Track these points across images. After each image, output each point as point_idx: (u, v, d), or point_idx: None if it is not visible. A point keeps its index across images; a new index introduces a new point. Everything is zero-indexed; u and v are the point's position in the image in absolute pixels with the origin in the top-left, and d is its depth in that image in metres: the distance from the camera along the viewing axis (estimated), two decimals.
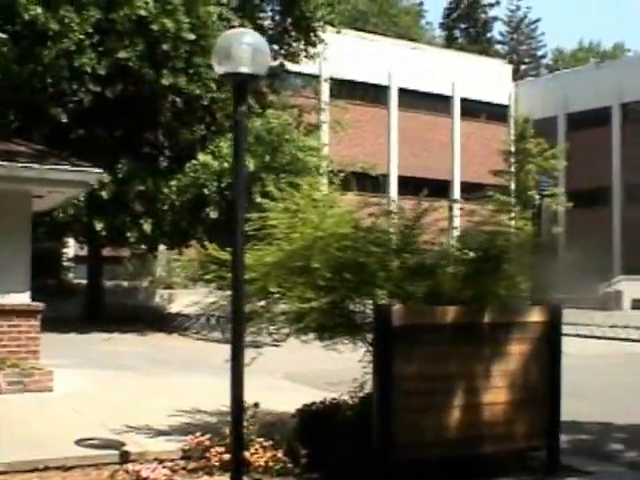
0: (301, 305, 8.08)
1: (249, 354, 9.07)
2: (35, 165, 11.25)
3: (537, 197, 8.99)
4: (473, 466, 8.29)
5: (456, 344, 8.29)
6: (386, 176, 48.83)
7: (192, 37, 21.22)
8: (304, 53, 27.98)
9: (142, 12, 21.16)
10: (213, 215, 22.43)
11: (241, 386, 7.48)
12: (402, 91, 49.73)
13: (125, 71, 21.65)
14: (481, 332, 8.45)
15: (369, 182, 45.69)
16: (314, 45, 27.59)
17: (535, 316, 8.83)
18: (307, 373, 15.49)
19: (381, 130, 49.53)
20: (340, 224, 8.45)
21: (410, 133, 49.75)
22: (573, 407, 12.11)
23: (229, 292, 8.30)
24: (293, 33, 27.35)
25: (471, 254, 9.23)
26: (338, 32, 27.03)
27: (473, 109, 52.14)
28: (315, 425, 8.88)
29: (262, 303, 8.58)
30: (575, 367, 17.55)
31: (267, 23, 27.86)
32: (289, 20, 27.30)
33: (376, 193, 45.40)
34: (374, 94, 49.47)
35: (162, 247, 28.08)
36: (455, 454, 8.16)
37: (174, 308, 28.81)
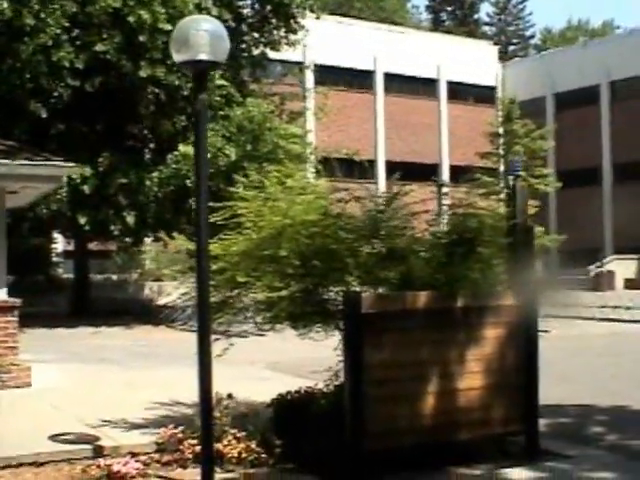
0: (269, 294, 7.98)
1: (222, 345, 9.04)
2: (5, 161, 11.12)
3: (510, 178, 8.92)
4: (450, 453, 8.23)
5: (428, 330, 8.21)
6: (373, 162, 48.73)
7: (169, 28, 21.02)
8: (285, 40, 27.77)
9: (117, 4, 20.96)
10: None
11: (209, 378, 7.38)
12: (387, 75, 49.57)
13: (103, 64, 21.50)
14: (454, 317, 8.37)
15: (357, 168, 45.63)
16: (294, 32, 27.42)
17: (509, 299, 8.74)
18: (293, 362, 15.43)
19: (367, 115, 49.39)
20: (308, 211, 8.33)
21: (396, 118, 49.62)
22: (557, 390, 12.11)
23: None
24: (273, 20, 27.15)
25: (444, 238, 9.16)
26: (317, 18, 26.84)
27: (460, 92, 52.01)
28: (289, 415, 8.80)
29: (232, 293, 8.47)
30: (563, 349, 17.61)
31: (247, 11, 27.65)
32: (268, 7, 27.10)
33: (363, 179, 45.31)
34: (359, 79, 49.32)
35: (149, 239, 27.98)
36: (430, 441, 8.08)
37: (163, 300, 28.75)
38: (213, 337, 9.12)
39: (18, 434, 8.81)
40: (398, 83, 49.92)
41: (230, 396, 8.88)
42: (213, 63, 7.48)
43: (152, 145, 23.65)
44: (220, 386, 11.49)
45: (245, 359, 15.51)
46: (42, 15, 19.94)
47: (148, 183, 22.35)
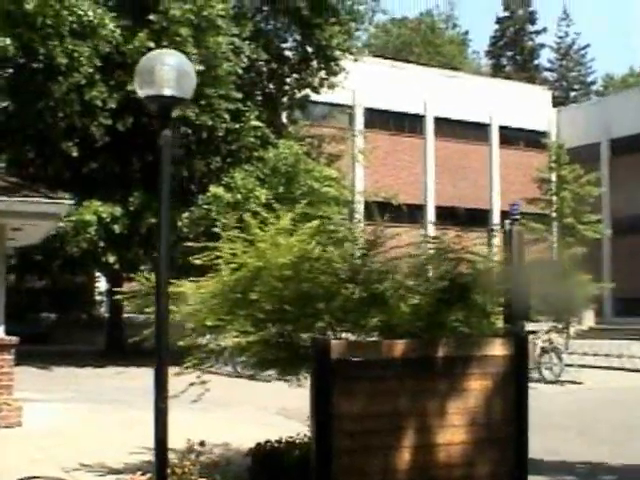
0: (236, 339, 7.66)
1: (196, 390, 8.75)
2: (3, 197, 11.04)
3: (507, 222, 8.53)
4: None
5: (406, 380, 7.78)
6: (423, 206, 48.25)
7: (200, 68, 21.06)
8: (326, 82, 27.66)
9: (151, 44, 21.05)
10: None
11: (165, 428, 7.08)
12: (438, 119, 49.21)
13: (136, 104, 21.52)
14: (435, 367, 7.92)
15: (405, 213, 45.24)
16: (335, 74, 27.30)
17: (497, 349, 8.27)
18: (305, 407, 14.97)
19: (417, 159, 49.03)
20: (283, 254, 8.01)
21: (447, 162, 49.16)
22: (569, 446, 11.54)
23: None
24: (314, 63, 27.07)
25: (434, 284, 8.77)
26: (355, 60, 26.72)
27: (511, 136, 51.36)
28: (264, 466, 8.45)
29: (203, 338, 8.17)
30: (585, 400, 16.89)
31: (289, 53, 27.61)
32: (310, 49, 27.03)
33: (412, 224, 44.90)
34: (410, 123, 49.04)
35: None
36: None
37: (200, 340, 28.49)
38: (190, 381, 8.93)
39: None
40: (449, 127, 49.52)
41: (202, 444, 8.54)
42: (178, 99, 7.30)
43: (183, 185, 23.56)
44: (213, 431, 11.26)
45: (259, 403, 15.18)
46: (75, 54, 20.07)
47: (179, 224, 22.25)
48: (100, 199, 21.66)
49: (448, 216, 47.49)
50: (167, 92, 7.15)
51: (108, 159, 22.76)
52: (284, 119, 27.73)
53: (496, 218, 50.11)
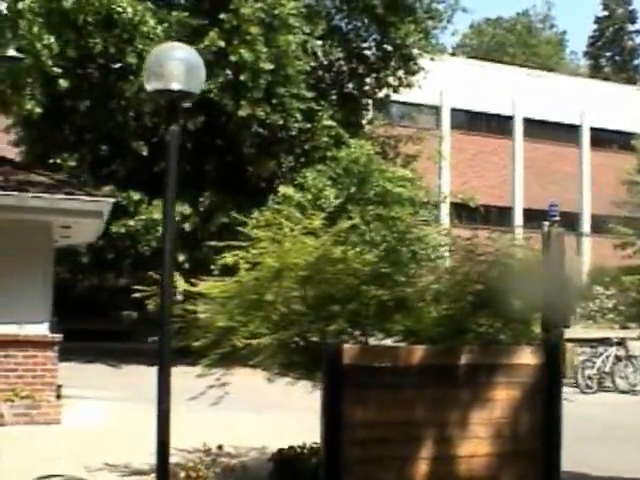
0: (247, 341, 7.44)
1: (217, 392, 8.58)
2: (45, 195, 11.09)
3: (545, 224, 8.02)
4: None
5: (424, 388, 7.42)
6: (510, 209, 47.30)
7: (270, 67, 20.95)
8: (405, 82, 27.22)
9: (222, 43, 21.05)
10: None
11: (167, 432, 6.93)
12: (527, 121, 48.09)
13: (207, 103, 21.55)
14: (456, 375, 7.54)
15: (493, 215, 44.42)
16: (413, 73, 26.85)
17: (526, 358, 7.84)
18: None
19: (505, 161, 48.04)
20: (302, 254, 7.75)
21: (536, 164, 48.00)
22: (619, 459, 10.95)
23: None
24: (392, 62, 26.67)
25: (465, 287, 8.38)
26: (432, 59, 26.17)
27: (604, 138, 49.86)
28: (284, 472, 8.21)
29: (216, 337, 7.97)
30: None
31: (367, 52, 27.22)
32: (389, 48, 26.60)
33: (499, 227, 44.04)
34: (498, 124, 48.08)
35: None
36: None
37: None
38: (208, 383, 8.76)
39: (5, 472, 8.54)
40: (538, 129, 48.35)
41: (220, 447, 8.35)
42: (187, 93, 7.11)
43: (254, 185, 23.48)
44: (259, 433, 11.09)
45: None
46: (144, 54, 20.15)
47: (250, 224, 22.13)
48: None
49: (537, 219, 46.46)
50: (175, 86, 6.97)
51: (180, 158, 22.77)
52: (364, 119, 27.37)
53: (586, 222, 48.81)
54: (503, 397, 7.70)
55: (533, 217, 46.68)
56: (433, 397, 7.44)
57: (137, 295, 8.52)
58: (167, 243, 7.05)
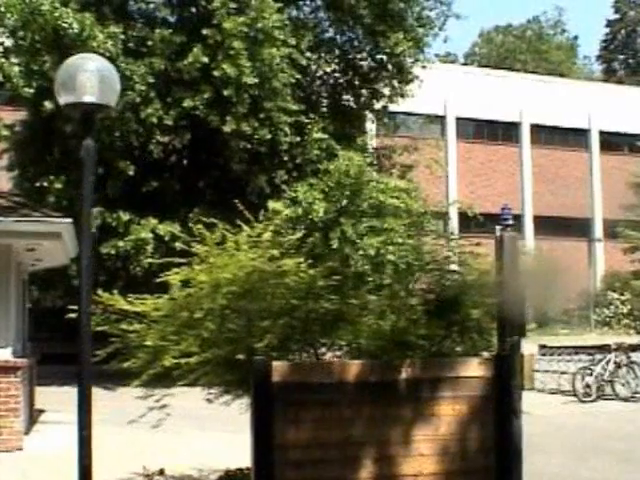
0: (175, 361, 7.14)
1: (157, 414, 8.27)
2: (0, 217, 10.83)
3: (498, 228, 7.66)
4: None
5: (362, 405, 7.09)
6: (520, 216, 46.79)
7: (254, 81, 20.67)
8: (398, 91, 26.86)
9: (206, 59, 20.84)
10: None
11: (89, 456, 6.63)
12: (534, 127, 47.55)
13: (193, 120, 21.37)
14: (396, 390, 7.20)
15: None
16: (407, 83, 26.49)
17: (474, 370, 7.48)
18: None
19: (513, 169, 47.52)
20: (232, 269, 7.43)
21: (545, 170, 47.47)
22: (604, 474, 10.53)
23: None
24: (384, 72, 26.36)
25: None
26: (424, 67, 25.79)
27: (613, 142, 49.24)
28: None
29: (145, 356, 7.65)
30: None
31: (359, 63, 26.90)
32: (382, 58, 26.27)
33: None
34: (505, 132, 47.58)
35: None
36: None
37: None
38: (149, 405, 8.44)
39: None
40: (546, 134, 47.86)
41: (162, 472, 8.03)
42: (100, 106, 6.85)
43: (244, 201, 23.12)
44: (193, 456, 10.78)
45: None
46: (127, 73, 19.98)
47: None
48: (158, 217, 21.49)
49: (547, 226, 45.88)
50: (88, 99, 6.71)
51: (167, 177, 22.60)
52: (362, 131, 27.00)
53: (598, 227, 48.16)
54: (449, 412, 7.35)
55: (543, 224, 46.18)
56: (372, 414, 7.11)
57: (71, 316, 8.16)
58: (84, 260, 6.77)
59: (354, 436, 7.02)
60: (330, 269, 7.88)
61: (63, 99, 6.80)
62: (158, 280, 8.49)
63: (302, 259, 7.92)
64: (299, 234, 8.75)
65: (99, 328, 7.82)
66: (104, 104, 6.84)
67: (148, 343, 7.38)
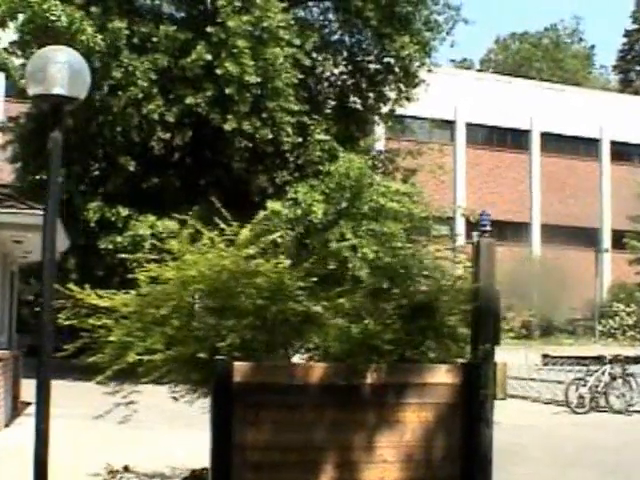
0: (138, 357, 7.07)
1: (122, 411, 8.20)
2: None
3: (475, 234, 7.58)
4: None
5: (324, 408, 7.01)
6: (528, 224, 46.57)
7: (256, 80, 20.62)
8: (405, 95, 26.75)
9: (209, 57, 20.80)
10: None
11: (46, 448, 6.57)
12: (544, 135, 47.36)
13: (195, 117, 21.31)
14: (361, 395, 7.12)
15: (510, 231, 43.68)
16: (414, 86, 26.39)
17: (441, 377, 7.39)
18: None
19: (522, 176, 47.34)
20: (200, 266, 7.37)
21: (554, 179, 47.26)
22: None
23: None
24: (391, 76, 26.25)
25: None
26: (429, 71, 25.69)
27: (624, 152, 49.00)
28: None
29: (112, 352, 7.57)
30: None
31: (366, 66, 26.80)
32: (390, 61, 26.15)
33: (517, 242, 43.38)
34: (514, 139, 47.42)
35: None
36: None
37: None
38: (116, 401, 8.37)
39: None
40: (556, 143, 47.67)
41: (127, 468, 7.97)
42: (70, 98, 6.77)
43: (247, 200, 23.10)
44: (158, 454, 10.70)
45: None
46: (130, 69, 19.97)
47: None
48: (158, 214, 21.44)
49: (555, 234, 45.67)
50: (57, 91, 6.64)
51: (168, 174, 22.56)
52: (368, 133, 26.91)
53: (606, 237, 47.90)
54: (414, 419, 7.26)
55: (551, 233, 45.96)
56: (335, 418, 7.03)
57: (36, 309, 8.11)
58: (48, 253, 6.70)
59: (316, 440, 6.95)
60: (306, 270, 7.80)
61: (32, 90, 6.74)
62: (130, 276, 8.40)
63: (282, 259, 7.86)
64: (277, 234, 8.61)
65: (67, 322, 7.76)
66: (74, 97, 6.74)
67: (113, 339, 7.32)
